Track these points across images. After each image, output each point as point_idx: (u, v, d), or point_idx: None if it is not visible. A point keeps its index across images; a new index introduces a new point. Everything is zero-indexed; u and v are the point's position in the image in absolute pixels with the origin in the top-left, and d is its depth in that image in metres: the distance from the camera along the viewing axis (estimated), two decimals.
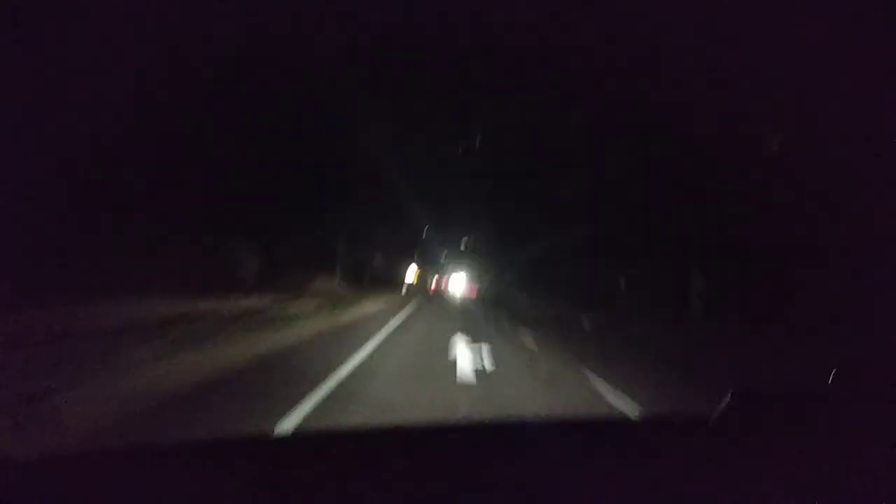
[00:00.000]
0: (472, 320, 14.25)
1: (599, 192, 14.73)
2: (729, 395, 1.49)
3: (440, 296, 36.75)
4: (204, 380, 4.50)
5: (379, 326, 10.07)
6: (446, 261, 42.84)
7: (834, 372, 1.54)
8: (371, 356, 6.60)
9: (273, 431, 3.30)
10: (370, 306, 15.33)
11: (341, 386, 4.78)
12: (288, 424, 3.54)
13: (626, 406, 4.91)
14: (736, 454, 1.36)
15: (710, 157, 10.16)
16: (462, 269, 43.84)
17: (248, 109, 9.47)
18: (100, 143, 6.77)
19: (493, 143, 15.43)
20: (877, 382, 1.72)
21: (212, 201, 10.48)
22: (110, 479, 1.08)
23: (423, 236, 30.60)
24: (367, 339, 8.09)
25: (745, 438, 1.41)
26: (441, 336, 9.29)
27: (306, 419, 3.66)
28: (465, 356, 6.96)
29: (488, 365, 6.49)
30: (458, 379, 5.61)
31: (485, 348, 7.81)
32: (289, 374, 5.37)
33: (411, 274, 34.59)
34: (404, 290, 29.38)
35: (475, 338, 8.93)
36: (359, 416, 3.91)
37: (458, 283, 44.57)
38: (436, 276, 45.11)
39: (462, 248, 36.01)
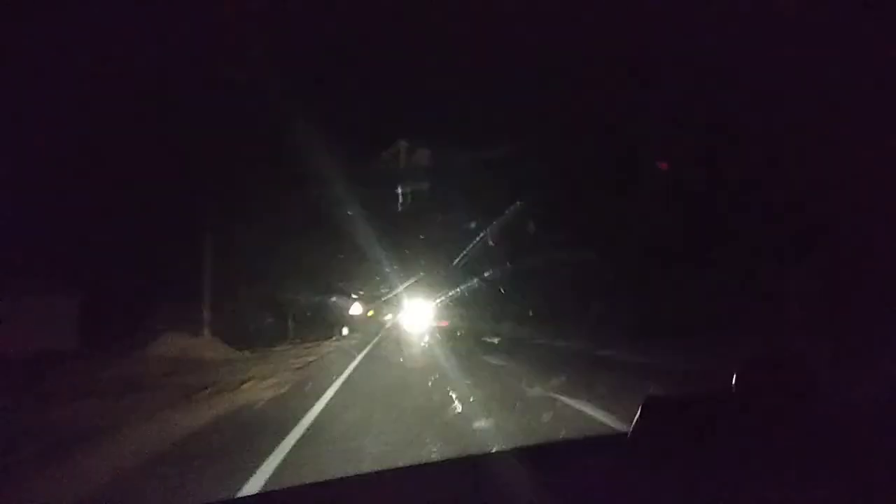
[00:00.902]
0: None
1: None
2: (640, 406, 1.50)
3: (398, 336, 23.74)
4: None
5: None
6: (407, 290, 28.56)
7: (735, 375, 1.56)
8: None
9: None
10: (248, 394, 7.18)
11: None
12: None
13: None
14: (649, 465, 1.38)
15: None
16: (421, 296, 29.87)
17: None
18: None
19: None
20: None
21: None
22: None
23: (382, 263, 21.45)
24: None
25: (659, 448, 1.43)
26: None
27: None
28: None
29: None
30: None
31: None
32: None
33: (357, 308, 26.71)
34: (344, 332, 21.42)
35: None
36: None
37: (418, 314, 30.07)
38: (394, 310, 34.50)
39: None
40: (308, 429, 4.96)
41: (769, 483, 1.25)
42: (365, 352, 13.94)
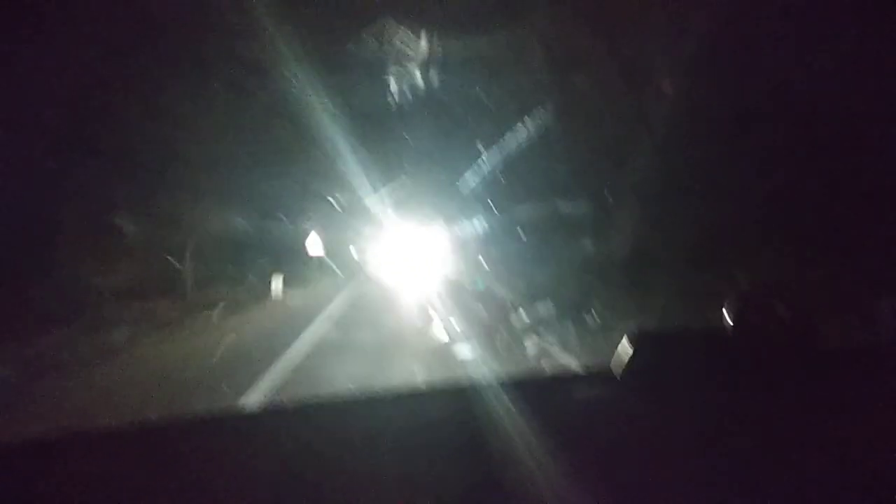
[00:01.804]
0: None
1: None
2: (626, 339, 1.49)
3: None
4: None
5: None
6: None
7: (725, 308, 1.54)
8: None
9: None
10: None
11: None
12: None
13: None
14: (637, 400, 1.38)
15: None
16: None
17: None
18: None
19: None
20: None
21: None
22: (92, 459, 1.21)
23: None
24: None
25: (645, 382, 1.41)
26: None
27: None
28: None
29: None
30: None
31: None
32: None
33: (316, 243, 14.17)
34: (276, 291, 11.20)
35: None
36: None
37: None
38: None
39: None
40: None
41: (766, 417, 1.24)
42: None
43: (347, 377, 4.75)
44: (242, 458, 1.22)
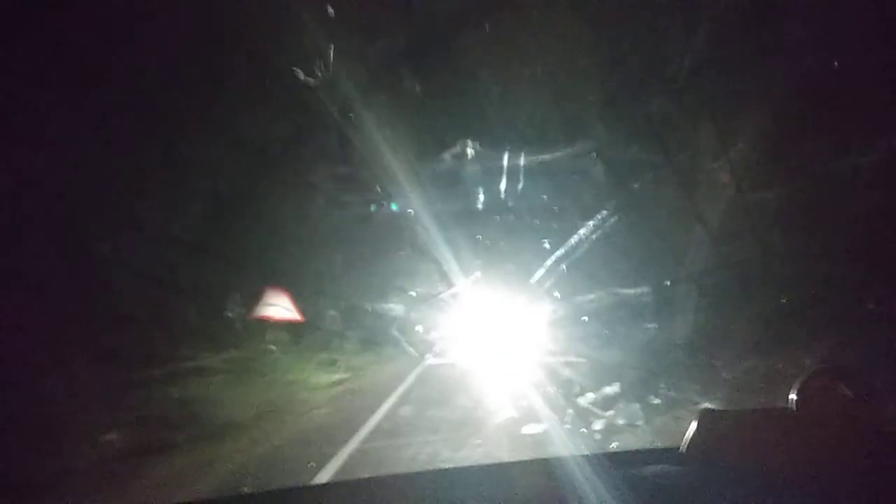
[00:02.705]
0: None
1: None
2: (695, 419, 1.54)
3: None
4: None
5: None
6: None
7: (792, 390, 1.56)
8: None
9: None
10: None
11: None
12: None
13: None
14: (703, 477, 1.41)
15: None
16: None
17: None
18: None
19: None
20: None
21: None
22: None
23: None
24: None
25: (714, 460, 1.44)
26: None
27: None
28: None
29: None
30: None
31: None
32: None
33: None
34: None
35: None
36: None
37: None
38: None
39: None
40: None
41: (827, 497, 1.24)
42: None
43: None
44: None
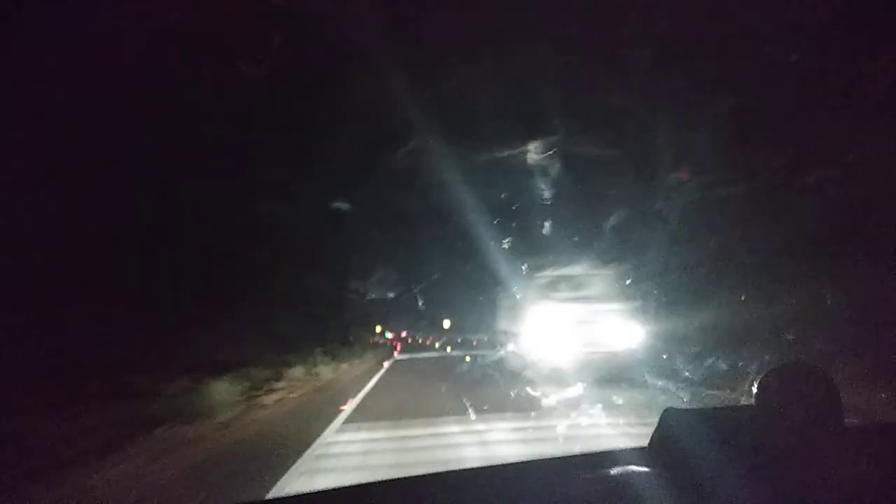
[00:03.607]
0: None
1: None
2: (660, 418, 1.54)
3: None
4: None
5: None
6: None
7: (756, 384, 1.53)
8: None
9: None
10: None
11: None
12: None
13: None
14: (673, 476, 1.40)
15: None
16: None
17: None
18: None
19: None
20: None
21: None
22: None
23: None
24: None
25: (680, 458, 1.45)
26: None
27: None
28: None
29: None
30: None
31: None
32: None
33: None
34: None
35: None
36: None
37: None
38: None
39: None
40: None
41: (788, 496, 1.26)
42: None
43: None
44: None
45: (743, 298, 9.17)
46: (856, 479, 1.28)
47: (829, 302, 7.97)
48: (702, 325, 8.77)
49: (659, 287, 9.71)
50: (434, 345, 26.12)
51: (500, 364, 10.89)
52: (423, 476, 1.69)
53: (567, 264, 10.01)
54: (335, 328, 16.66)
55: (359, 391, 8.90)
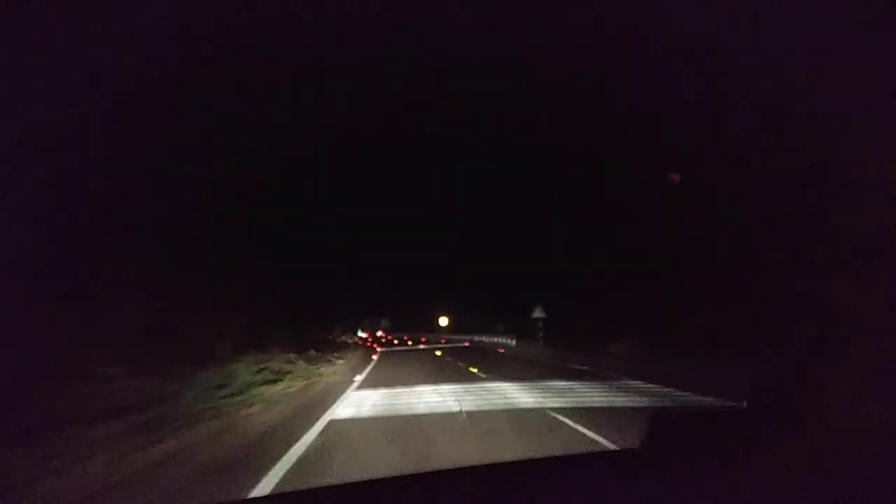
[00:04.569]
0: None
1: None
2: (648, 421, 1.56)
3: None
4: None
5: None
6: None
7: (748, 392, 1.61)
8: None
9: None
10: None
11: None
12: None
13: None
14: (663, 477, 1.41)
15: None
16: None
17: None
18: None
19: None
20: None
21: None
22: None
23: None
24: None
25: (669, 460, 1.45)
26: None
27: None
28: None
29: None
30: None
31: None
32: None
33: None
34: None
35: None
36: None
37: None
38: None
39: None
40: None
41: (775, 496, 1.28)
42: None
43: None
44: None
45: None
46: (841, 479, 1.29)
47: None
48: None
49: None
50: None
51: None
52: (413, 475, 1.71)
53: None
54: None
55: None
